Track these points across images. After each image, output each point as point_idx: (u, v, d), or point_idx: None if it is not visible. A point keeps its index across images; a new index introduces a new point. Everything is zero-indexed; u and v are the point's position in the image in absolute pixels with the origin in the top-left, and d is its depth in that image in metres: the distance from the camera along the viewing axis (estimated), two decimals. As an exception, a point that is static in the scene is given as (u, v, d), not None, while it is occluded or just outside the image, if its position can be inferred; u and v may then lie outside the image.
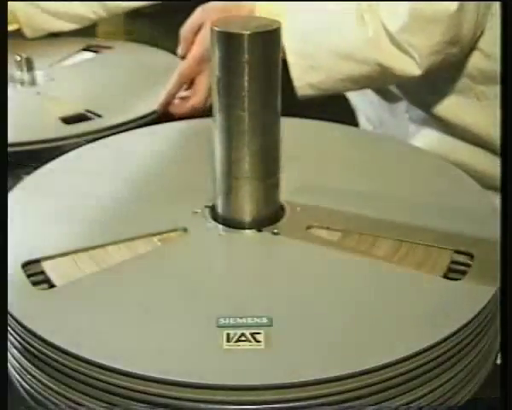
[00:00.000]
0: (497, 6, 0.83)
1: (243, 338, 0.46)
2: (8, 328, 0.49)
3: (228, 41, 0.53)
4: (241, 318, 0.48)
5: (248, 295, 0.51)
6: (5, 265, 0.50)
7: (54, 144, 0.77)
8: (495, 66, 0.86)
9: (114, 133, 0.77)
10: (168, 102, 0.86)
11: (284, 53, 0.79)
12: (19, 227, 0.57)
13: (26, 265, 0.53)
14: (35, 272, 0.53)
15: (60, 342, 0.46)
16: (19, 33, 1.13)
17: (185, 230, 0.57)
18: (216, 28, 0.53)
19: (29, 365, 0.48)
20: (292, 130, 0.67)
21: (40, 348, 0.47)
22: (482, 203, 0.61)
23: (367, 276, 0.53)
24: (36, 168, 0.68)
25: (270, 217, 0.58)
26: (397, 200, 0.63)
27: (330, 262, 0.54)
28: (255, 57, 0.53)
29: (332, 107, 1.11)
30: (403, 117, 0.99)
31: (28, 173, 0.68)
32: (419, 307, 0.50)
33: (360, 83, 0.88)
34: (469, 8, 0.80)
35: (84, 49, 1.10)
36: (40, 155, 0.74)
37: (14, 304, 0.48)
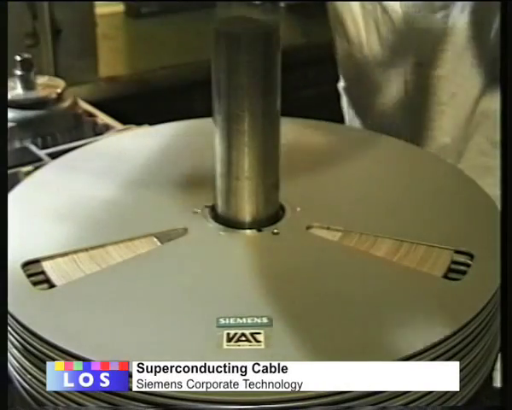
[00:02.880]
0: None
1: (243, 338, 0.46)
2: (8, 328, 0.49)
3: (228, 41, 0.53)
4: (241, 318, 0.48)
5: (248, 295, 0.51)
6: (5, 265, 0.50)
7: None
8: None
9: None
10: None
11: None
12: (19, 227, 0.57)
13: (26, 265, 0.53)
14: (35, 272, 0.53)
15: (60, 342, 0.46)
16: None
17: (185, 230, 0.57)
18: (216, 28, 0.53)
19: (29, 365, 0.48)
20: (292, 130, 0.67)
21: (40, 348, 0.47)
22: (482, 203, 0.61)
23: (367, 276, 0.53)
24: (36, 168, 0.69)
25: (270, 217, 0.58)
26: (397, 200, 0.63)
27: (330, 262, 0.54)
28: (255, 57, 0.53)
29: (332, 107, 1.11)
30: None
31: (28, 173, 0.68)
32: (419, 307, 0.50)
33: None
34: None
35: None
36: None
37: (14, 304, 0.48)
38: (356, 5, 1.01)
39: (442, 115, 0.97)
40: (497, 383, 0.51)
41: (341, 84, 1.10)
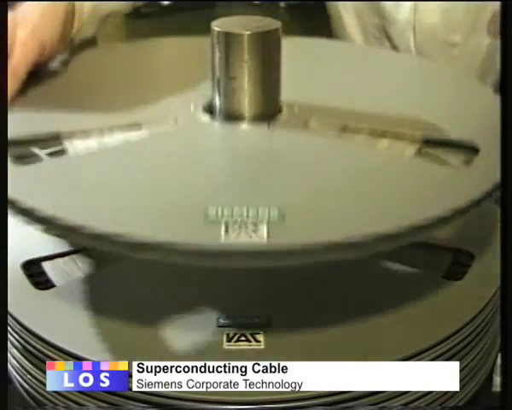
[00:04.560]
0: None
1: (243, 338, 0.46)
2: (8, 328, 0.49)
3: (228, 41, 0.53)
4: (241, 318, 0.48)
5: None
6: (5, 265, 0.50)
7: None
8: None
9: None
10: None
11: None
12: (19, 227, 0.57)
13: (26, 265, 0.53)
14: (35, 272, 0.53)
15: (60, 342, 0.46)
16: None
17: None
18: (216, 28, 0.53)
19: (29, 365, 0.48)
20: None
21: (40, 348, 0.47)
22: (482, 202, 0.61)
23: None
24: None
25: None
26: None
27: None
28: (255, 57, 0.53)
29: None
30: None
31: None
32: (419, 307, 0.50)
33: None
34: None
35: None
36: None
37: (14, 304, 0.48)
38: (356, 5, 1.01)
39: None
40: (497, 387, 0.52)
41: None
